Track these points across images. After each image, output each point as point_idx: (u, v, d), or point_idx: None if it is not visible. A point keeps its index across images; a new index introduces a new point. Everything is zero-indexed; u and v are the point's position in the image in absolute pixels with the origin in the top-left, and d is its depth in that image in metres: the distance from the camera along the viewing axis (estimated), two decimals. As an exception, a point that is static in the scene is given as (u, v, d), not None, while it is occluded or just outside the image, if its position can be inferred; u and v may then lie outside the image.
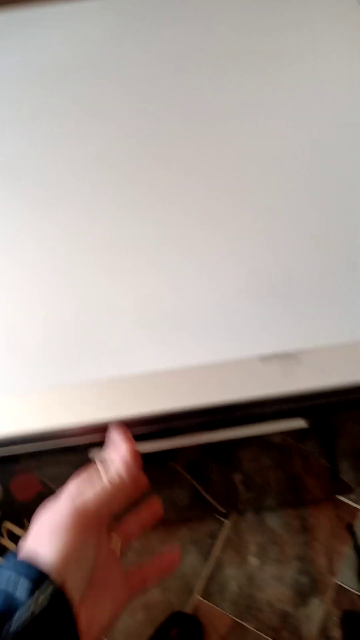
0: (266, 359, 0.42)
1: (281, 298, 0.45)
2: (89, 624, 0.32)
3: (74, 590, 0.31)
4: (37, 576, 0.29)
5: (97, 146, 0.55)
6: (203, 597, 1.11)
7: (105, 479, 0.35)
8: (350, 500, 1.17)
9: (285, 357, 0.43)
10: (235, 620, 1.09)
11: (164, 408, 0.41)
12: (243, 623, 1.09)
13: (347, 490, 1.10)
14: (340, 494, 1.16)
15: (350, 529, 1.14)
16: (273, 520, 1.17)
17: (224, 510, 1.16)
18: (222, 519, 1.18)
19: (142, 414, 0.40)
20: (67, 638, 0.30)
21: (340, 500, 1.17)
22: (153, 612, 1.11)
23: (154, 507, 0.42)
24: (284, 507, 1.17)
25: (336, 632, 1.07)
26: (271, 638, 1.07)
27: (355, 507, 1.17)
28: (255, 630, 1.08)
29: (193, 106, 0.58)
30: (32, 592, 0.28)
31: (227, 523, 1.17)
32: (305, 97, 0.57)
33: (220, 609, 1.10)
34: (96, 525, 0.34)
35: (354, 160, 0.52)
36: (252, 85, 0.58)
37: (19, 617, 0.27)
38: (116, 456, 0.37)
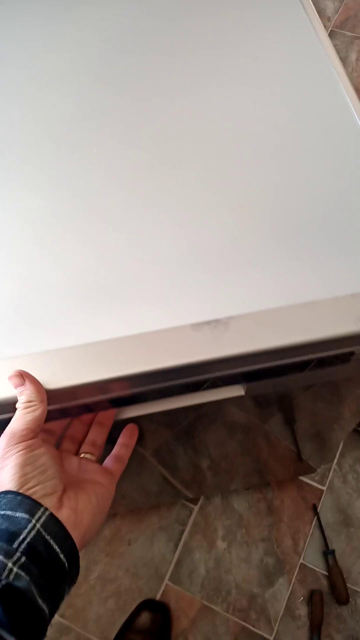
0: (197, 326, 0.44)
1: (211, 268, 0.47)
2: (74, 519, 0.39)
3: (46, 498, 0.38)
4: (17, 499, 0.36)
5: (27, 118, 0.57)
6: (172, 583, 1.13)
7: (19, 407, 0.41)
8: (314, 482, 1.20)
9: (216, 324, 0.44)
10: (204, 604, 1.11)
11: (98, 378, 0.42)
12: (212, 606, 1.11)
13: (309, 470, 1.13)
14: (303, 475, 1.19)
15: (314, 509, 1.17)
16: (239, 504, 1.19)
17: (191, 496, 1.18)
18: (190, 505, 1.20)
19: (75, 385, 0.42)
20: (61, 537, 0.36)
21: (305, 482, 1.20)
22: (124, 599, 1.12)
23: (131, 427, 0.52)
24: (250, 490, 1.20)
25: (302, 610, 1.10)
26: (239, 619, 1.09)
27: (319, 489, 1.20)
28: (223, 612, 1.10)
29: (139, 78, 0.59)
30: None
31: (195, 508, 1.19)
32: (257, 70, 0.59)
33: (189, 593, 1.12)
34: (33, 438, 0.40)
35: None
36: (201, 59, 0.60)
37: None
38: (20, 390, 0.42)
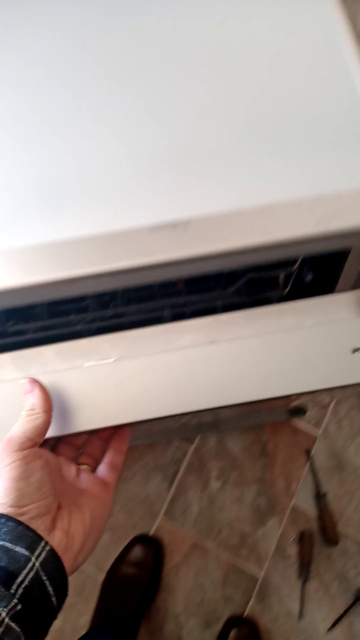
0: (156, 228, 0.43)
1: (173, 169, 0.45)
2: (66, 543, 0.38)
3: (39, 519, 0.37)
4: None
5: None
6: (166, 520, 1.16)
7: (22, 414, 0.41)
8: (309, 426, 1.20)
9: (174, 226, 0.43)
10: (196, 541, 1.14)
11: (55, 277, 0.42)
12: (203, 543, 1.13)
13: (301, 412, 1.13)
14: (295, 416, 1.19)
15: (308, 453, 1.18)
16: (234, 446, 1.20)
17: (187, 437, 1.20)
18: (185, 446, 1.21)
19: (27, 284, 0.41)
20: (57, 578, 0.36)
21: (299, 427, 1.20)
22: (118, 534, 1.15)
23: (123, 432, 0.50)
24: (245, 433, 1.21)
25: (291, 550, 1.12)
26: (230, 556, 1.12)
27: (313, 434, 1.20)
28: (215, 549, 1.13)
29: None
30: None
31: (190, 449, 1.20)
32: None
33: (182, 530, 1.15)
34: (31, 447, 0.39)
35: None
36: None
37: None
38: (27, 397, 0.43)
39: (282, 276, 0.66)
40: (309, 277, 0.78)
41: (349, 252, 0.55)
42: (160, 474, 1.20)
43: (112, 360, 0.49)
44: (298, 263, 0.65)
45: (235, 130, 0.47)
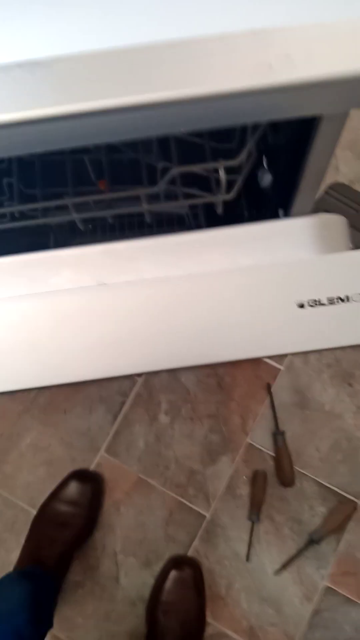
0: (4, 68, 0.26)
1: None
2: None
3: None
4: None
5: None
6: (108, 454, 1.05)
7: None
8: (272, 360, 1.08)
9: (34, 66, 0.27)
10: (140, 477, 1.04)
11: None
12: (148, 480, 1.04)
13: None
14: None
15: (268, 389, 1.06)
16: (187, 378, 1.08)
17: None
18: (134, 376, 1.09)
19: None
20: None
21: (261, 359, 1.08)
22: (55, 468, 1.05)
23: None
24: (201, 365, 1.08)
25: (243, 490, 1.03)
26: (176, 494, 1.03)
27: (275, 367, 1.08)
28: (160, 486, 1.03)
29: None
30: None
31: (139, 380, 1.08)
32: None
33: (125, 466, 1.05)
34: None
35: None
36: None
37: None
38: None
39: (222, 172, 0.49)
40: (265, 180, 0.62)
41: (315, 127, 0.39)
42: (104, 406, 1.08)
43: None
44: (245, 154, 0.48)
45: None
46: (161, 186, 0.49)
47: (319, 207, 1.08)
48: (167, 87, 0.29)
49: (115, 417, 1.07)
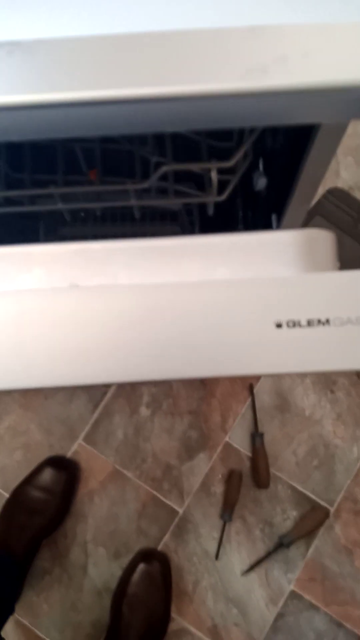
0: None
1: None
2: None
3: None
4: None
5: None
6: (86, 443, 1.05)
7: None
8: (257, 360, 1.07)
9: (11, 47, 0.25)
10: (116, 468, 1.04)
11: None
12: (124, 471, 1.03)
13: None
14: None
15: (251, 389, 1.06)
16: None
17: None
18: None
19: None
20: None
21: (246, 359, 1.07)
22: (32, 453, 1.04)
23: None
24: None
25: (218, 488, 1.03)
26: (150, 488, 1.03)
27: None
28: (135, 479, 1.03)
29: None
30: None
31: (122, 372, 1.07)
32: None
33: (102, 456, 1.04)
34: None
35: None
36: None
37: None
38: None
39: (214, 174, 0.48)
40: (260, 183, 0.60)
41: (312, 135, 0.37)
42: (85, 395, 1.07)
43: None
44: (239, 156, 0.47)
45: None
46: (151, 183, 0.47)
47: (316, 212, 1.06)
48: (150, 83, 0.27)
49: (96, 407, 1.06)
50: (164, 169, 0.46)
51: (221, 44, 0.30)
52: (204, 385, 1.07)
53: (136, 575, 0.95)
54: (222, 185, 0.52)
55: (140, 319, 0.30)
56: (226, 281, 0.31)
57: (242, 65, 0.29)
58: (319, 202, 1.08)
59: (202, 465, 1.04)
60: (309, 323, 0.29)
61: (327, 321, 0.29)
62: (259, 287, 0.30)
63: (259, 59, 0.30)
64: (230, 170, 0.50)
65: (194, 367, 0.29)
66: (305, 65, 0.30)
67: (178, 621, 0.97)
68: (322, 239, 0.34)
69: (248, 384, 1.06)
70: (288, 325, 0.29)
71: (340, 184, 1.16)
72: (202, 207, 0.73)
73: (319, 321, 0.29)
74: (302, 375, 1.06)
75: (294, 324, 0.29)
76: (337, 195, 1.07)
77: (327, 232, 0.35)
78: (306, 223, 1.08)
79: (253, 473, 1.02)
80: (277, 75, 0.29)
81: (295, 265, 0.34)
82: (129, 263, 0.33)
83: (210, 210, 0.55)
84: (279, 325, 0.30)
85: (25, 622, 0.98)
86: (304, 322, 0.29)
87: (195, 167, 0.49)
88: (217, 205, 0.62)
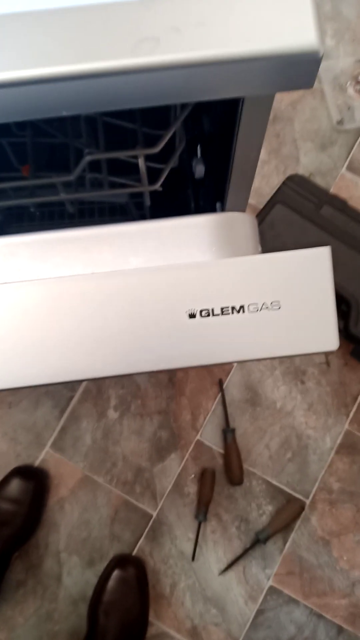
0: None
1: None
2: None
3: None
4: None
5: None
6: (54, 450, 1.02)
7: None
8: (224, 355, 1.05)
9: None
10: (86, 474, 1.01)
11: None
12: (94, 477, 1.01)
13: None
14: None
15: (220, 384, 1.04)
16: (138, 374, 1.05)
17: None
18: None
19: None
20: None
21: (213, 354, 1.05)
22: (-1, 464, 1.01)
23: None
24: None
25: (192, 488, 1.01)
26: (122, 492, 1.00)
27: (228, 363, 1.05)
28: (106, 484, 1.01)
29: None
30: None
31: (87, 375, 1.05)
32: None
33: (71, 462, 1.02)
34: None
35: None
36: None
37: None
38: None
39: (141, 161, 0.45)
40: (199, 170, 0.58)
41: (240, 115, 0.35)
42: (51, 401, 1.04)
43: None
44: (164, 141, 0.45)
45: None
46: (76, 174, 0.45)
47: (276, 200, 1.05)
48: (33, 64, 0.25)
49: (62, 412, 1.04)
50: (88, 158, 0.43)
51: (110, 17, 0.27)
52: (172, 384, 1.05)
53: (111, 582, 0.93)
54: (155, 174, 0.49)
55: (45, 316, 0.28)
56: (133, 270, 0.28)
57: (132, 39, 0.27)
58: (279, 190, 1.06)
59: (174, 466, 1.02)
60: (223, 311, 0.27)
61: (242, 309, 0.27)
62: (167, 275, 0.28)
63: (150, 32, 0.27)
64: (162, 158, 0.48)
65: (105, 365, 0.27)
66: (199, 36, 0.28)
67: (157, 625, 0.95)
68: (241, 222, 0.32)
69: (217, 380, 1.04)
70: (201, 315, 0.27)
71: (301, 170, 1.14)
72: (153, 199, 0.71)
73: (234, 308, 0.27)
74: (272, 367, 1.04)
75: (208, 313, 0.27)
76: (297, 181, 1.05)
77: (246, 215, 0.33)
78: (268, 212, 1.06)
79: (226, 470, 1.01)
80: (170, 48, 0.27)
81: (211, 251, 0.32)
82: (35, 256, 0.31)
83: (147, 201, 0.53)
84: (192, 316, 0.28)
85: (2, 636, 0.95)
86: (217, 311, 0.27)
87: (121, 154, 0.47)
88: (170, 196, 0.60)
